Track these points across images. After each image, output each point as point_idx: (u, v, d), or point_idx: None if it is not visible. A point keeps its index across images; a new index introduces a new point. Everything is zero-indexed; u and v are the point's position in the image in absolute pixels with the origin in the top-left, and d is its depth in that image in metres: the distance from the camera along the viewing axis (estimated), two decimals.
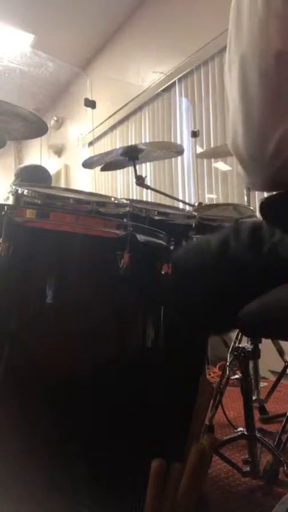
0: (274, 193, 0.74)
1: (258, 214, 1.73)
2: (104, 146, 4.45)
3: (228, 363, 1.55)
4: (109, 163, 1.81)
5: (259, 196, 2.45)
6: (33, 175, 2.54)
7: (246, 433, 1.20)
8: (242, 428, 1.22)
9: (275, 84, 0.60)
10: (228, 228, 0.85)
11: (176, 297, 0.78)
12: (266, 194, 0.76)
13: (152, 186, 1.90)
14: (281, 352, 1.79)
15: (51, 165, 5.15)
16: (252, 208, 1.78)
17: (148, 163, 3.52)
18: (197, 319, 0.81)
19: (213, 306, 0.81)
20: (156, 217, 1.21)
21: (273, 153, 0.62)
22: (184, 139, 3.41)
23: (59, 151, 5.45)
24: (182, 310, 0.79)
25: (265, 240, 0.77)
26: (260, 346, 1.30)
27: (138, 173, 1.67)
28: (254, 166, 0.67)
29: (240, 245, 0.80)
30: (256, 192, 2.47)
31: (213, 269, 0.81)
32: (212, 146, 2.93)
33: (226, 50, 0.67)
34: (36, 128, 1.44)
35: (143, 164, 3.27)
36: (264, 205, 0.74)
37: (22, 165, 3.28)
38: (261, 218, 0.80)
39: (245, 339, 1.51)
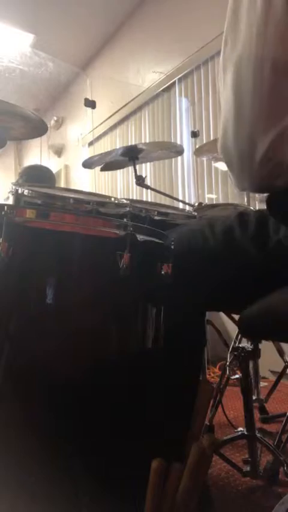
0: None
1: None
2: (104, 146, 4.46)
3: (228, 363, 1.55)
4: (109, 163, 1.81)
5: (259, 196, 2.45)
6: (37, 176, 2.54)
7: (246, 433, 1.20)
8: (242, 428, 1.22)
9: (269, 91, 0.59)
10: (233, 216, 0.84)
11: (175, 292, 0.77)
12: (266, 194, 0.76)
13: (152, 186, 1.90)
14: (281, 352, 1.79)
15: (51, 165, 5.15)
16: (252, 208, 1.78)
17: (148, 163, 3.52)
18: (196, 300, 0.81)
19: (213, 291, 0.81)
20: (156, 217, 1.21)
21: (262, 159, 0.62)
22: (184, 139, 3.42)
23: (59, 151, 5.45)
24: (180, 306, 0.79)
25: (271, 234, 0.77)
26: (260, 346, 1.30)
27: (138, 173, 1.67)
28: (242, 170, 0.67)
29: (245, 236, 0.79)
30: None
31: (216, 257, 0.80)
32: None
33: (221, 50, 0.67)
34: (36, 128, 1.44)
35: (143, 164, 3.27)
36: (271, 200, 0.74)
37: (27, 165, 3.28)
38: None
39: (245, 338, 1.51)
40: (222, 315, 2.08)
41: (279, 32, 0.57)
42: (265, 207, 0.77)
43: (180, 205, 2.18)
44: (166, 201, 2.32)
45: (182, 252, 0.79)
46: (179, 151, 1.94)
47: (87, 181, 4.61)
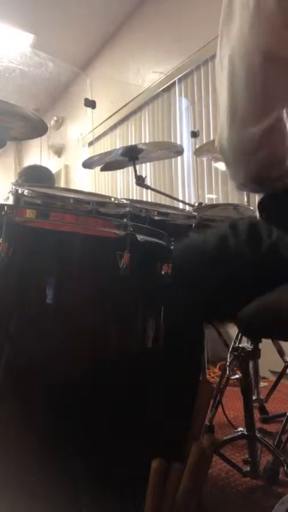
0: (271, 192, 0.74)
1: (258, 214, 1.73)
2: (104, 146, 4.45)
3: (228, 363, 1.55)
4: (109, 163, 1.81)
5: (259, 195, 2.45)
6: (37, 176, 2.53)
7: (246, 433, 1.20)
8: (242, 428, 1.22)
9: (261, 83, 0.61)
10: (225, 225, 0.85)
11: (174, 294, 0.78)
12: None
13: (152, 186, 1.90)
14: (281, 352, 1.79)
15: (51, 165, 5.15)
16: (252, 208, 1.78)
17: (148, 163, 3.52)
18: (195, 315, 0.81)
19: (212, 302, 0.81)
20: (156, 217, 1.21)
21: (254, 149, 0.63)
22: (184, 139, 3.41)
23: (59, 151, 5.45)
24: (180, 306, 0.79)
25: (263, 238, 0.77)
26: (260, 346, 1.30)
27: (138, 173, 1.67)
28: (236, 161, 0.67)
29: (239, 242, 0.80)
30: None
31: (212, 266, 0.81)
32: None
33: (217, 46, 0.67)
34: (36, 128, 1.44)
35: (143, 164, 3.27)
36: (263, 203, 0.74)
37: (27, 165, 3.28)
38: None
39: (245, 338, 1.51)
40: None
41: (270, 26, 0.58)
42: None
43: (180, 205, 2.18)
44: (166, 201, 2.32)
45: (177, 265, 0.80)
46: (179, 151, 1.94)
47: (87, 181, 4.61)
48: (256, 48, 0.60)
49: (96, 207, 1.12)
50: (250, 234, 0.80)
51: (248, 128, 0.62)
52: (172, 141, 3.40)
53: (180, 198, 3.22)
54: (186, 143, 3.33)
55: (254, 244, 0.78)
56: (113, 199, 1.35)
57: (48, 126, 2.04)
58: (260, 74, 0.60)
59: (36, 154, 5.58)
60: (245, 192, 1.91)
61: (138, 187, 1.76)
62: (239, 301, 0.77)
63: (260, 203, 0.75)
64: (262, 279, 0.76)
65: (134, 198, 3.06)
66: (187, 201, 2.87)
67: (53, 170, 5.14)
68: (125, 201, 1.28)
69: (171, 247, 0.79)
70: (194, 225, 1.28)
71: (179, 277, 0.76)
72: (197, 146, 2.12)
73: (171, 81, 3.46)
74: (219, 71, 0.67)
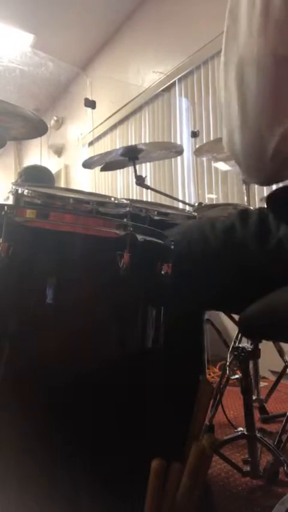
0: (281, 186, 0.74)
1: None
2: (104, 146, 4.46)
3: (228, 363, 1.55)
4: (109, 163, 1.81)
5: (259, 195, 2.45)
6: (36, 176, 2.53)
7: (246, 433, 1.20)
8: (242, 428, 1.22)
9: (273, 87, 0.59)
10: (234, 214, 0.84)
11: (175, 292, 0.77)
12: (266, 193, 0.76)
13: (152, 186, 1.90)
14: (281, 352, 1.79)
15: (51, 165, 5.15)
16: (252, 208, 1.78)
17: (148, 163, 3.52)
18: (195, 300, 0.81)
19: (214, 291, 0.81)
20: (156, 217, 1.21)
21: (271, 156, 0.62)
22: (184, 139, 3.42)
23: (59, 151, 5.45)
24: (181, 306, 0.79)
25: (272, 231, 0.77)
26: (260, 346, 1.30)
27: (138, 173, 1.67)
28: (251, 167, 0.67)
29: (247, 234, 0.79)
30: (256, 192, 2.48)
31: (217, 256, 0.80)
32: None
33: (222, 47, 0.66)
34: (36, 128, 1.44)
35: (143, 164, 3.27)
36: (271, 198, 0.74)
37: (27, 165, 3.28)
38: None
39: (245, 338, 1.51)
40: (222, 314, 2.08)
41: (279, 29, 0.57)
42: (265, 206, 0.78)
43: (180, 205, 2.18)
44: (166, 201, 2.32)
45: (182, 252, 0.79)
46: (179, 151, 1.94)
47: (87, 181, 4.61)
48: (266, 53, 0.58)
49: (96, 207, 1.12)
50: (259, 226, 0.78)
51: (262, 136, 0.62)
52: (172, 141, 3.40)
53: (180, 198, 3.22)
54: (186, 143, 3.33)
55: (262, 238, 0.77)
56: (113, 199, 1.35)
57: (48, 126, 2.04)
58: (271, 79, 0.59)
59: (36, 154, 5.58)
60: (245, 192, 1.91)
61: (138, 187, 1.76)
62: (242, 300, 0.77)
63: (268, 198, 0.74)
64: (267, 276, 0.76)
65: (134, 198, 3.06)
66: (187, 201, 2.87)
67: (53, 170, 5.14)
68: (125, 201, 1.28)
69: (171, 247, 0.78)
70: None
71: (180, 275, 0.76)
72: (197, 146, 2.11)
73: (171, 81, 3.46)
74: (224, 74, 0.65)
